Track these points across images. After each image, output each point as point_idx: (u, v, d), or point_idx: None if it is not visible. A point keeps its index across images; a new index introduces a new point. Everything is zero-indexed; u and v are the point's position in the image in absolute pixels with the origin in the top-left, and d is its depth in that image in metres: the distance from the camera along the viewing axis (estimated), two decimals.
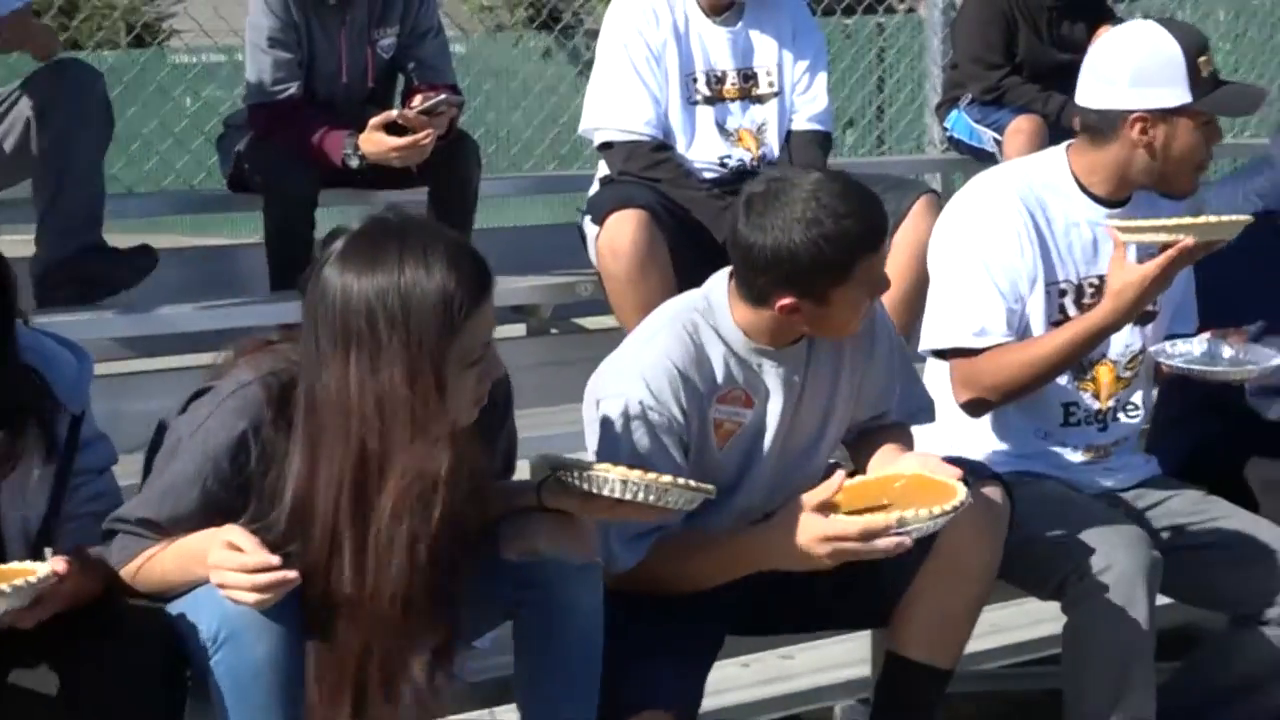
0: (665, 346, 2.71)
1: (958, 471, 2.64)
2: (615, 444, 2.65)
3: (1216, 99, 3.04)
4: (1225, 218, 2.96)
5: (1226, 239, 2.97)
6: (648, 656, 2.66)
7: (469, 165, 4.37)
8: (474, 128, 6.28)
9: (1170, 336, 3.21)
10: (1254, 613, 3.08)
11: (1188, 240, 2.90)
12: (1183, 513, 3.19)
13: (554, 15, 7.99)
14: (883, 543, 2.49)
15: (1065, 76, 4.52)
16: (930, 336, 3.13)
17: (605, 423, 2.67)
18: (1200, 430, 3.52)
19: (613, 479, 2.35)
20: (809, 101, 4.32)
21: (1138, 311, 3.02)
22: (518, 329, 4.63)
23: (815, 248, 2.60)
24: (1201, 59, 3.02)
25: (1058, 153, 3.20)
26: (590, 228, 4.13)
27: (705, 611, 2.76)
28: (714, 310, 2.75)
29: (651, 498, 2.35)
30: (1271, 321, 3.34)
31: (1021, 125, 5.28)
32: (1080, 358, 3.09)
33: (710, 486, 2.44)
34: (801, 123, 4.33)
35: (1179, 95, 3.02)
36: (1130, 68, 3.04)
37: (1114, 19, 5.62)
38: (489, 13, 14.36)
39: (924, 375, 3.24)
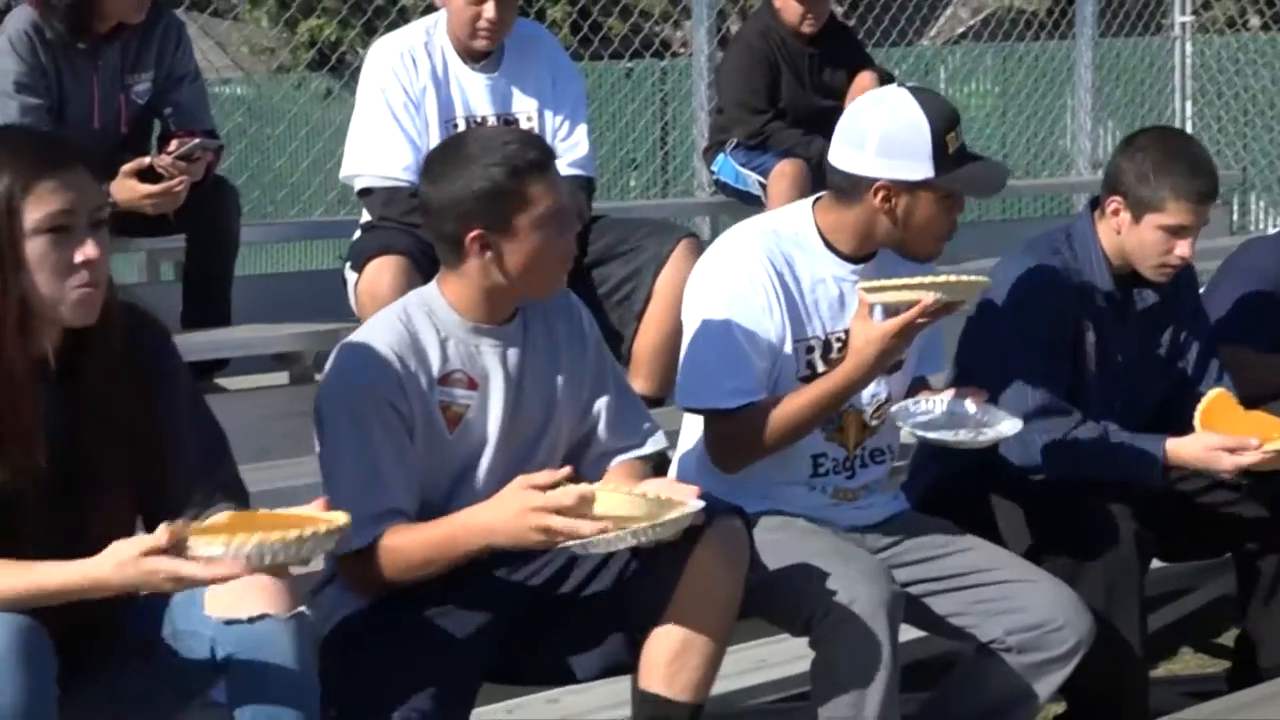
0: (377, 335, 2.77)
1: (695, 489, 2.69)
2: (337, 437, 2.70)
3: (958, 177, 3.06)
4: (966, 278, 3.00)
5: (968, 300, 3.04)
6: (402, 701, 2.64)
7: (227, 212, 4.31)
8: (238, 172, 6.20)
9: (915, 382, 3.29)
10: (995, 640, 3.14)
11: (928, 299, 2.94)
12: (928, 546, 3.25)
13: (337, 57, 7.93)
14: (589, 527, 2.54)
15: (826, 121, 4.70)
16: (685, 395, 3.15)
17: (328, 415, 2.72)
18: (947, 465, 3.61)
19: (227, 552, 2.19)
20: (570, 148, 4.34)
21: (882, 368, 3.06)
22: (280, 377, 4.57)
23: (485, 172, 2.73)
24: (949, 135, 3.05)
25: (804, 209, 3.23)
26: (350, 274, 4.10)
27: (458, 657, 2.74)
28: (428, 298, 2.84)
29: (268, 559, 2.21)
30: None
31: (785, 169, 5.38)
32: (831, 414, 3.13)
33: (341, 520, 2.32)
34: (563, 168, 4.31)
35: (922, 170, 3.04)
36: (878, 137, 3.07)
37: (873, 67, 5.78)
38: (271, 54, 14.21)
39: (682, 424, 3.28)
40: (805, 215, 3.20)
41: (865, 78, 5.54)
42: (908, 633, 3.36)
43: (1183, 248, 3.46)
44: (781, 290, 3.10)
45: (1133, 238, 3.49)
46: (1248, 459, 3.32)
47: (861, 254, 3.16)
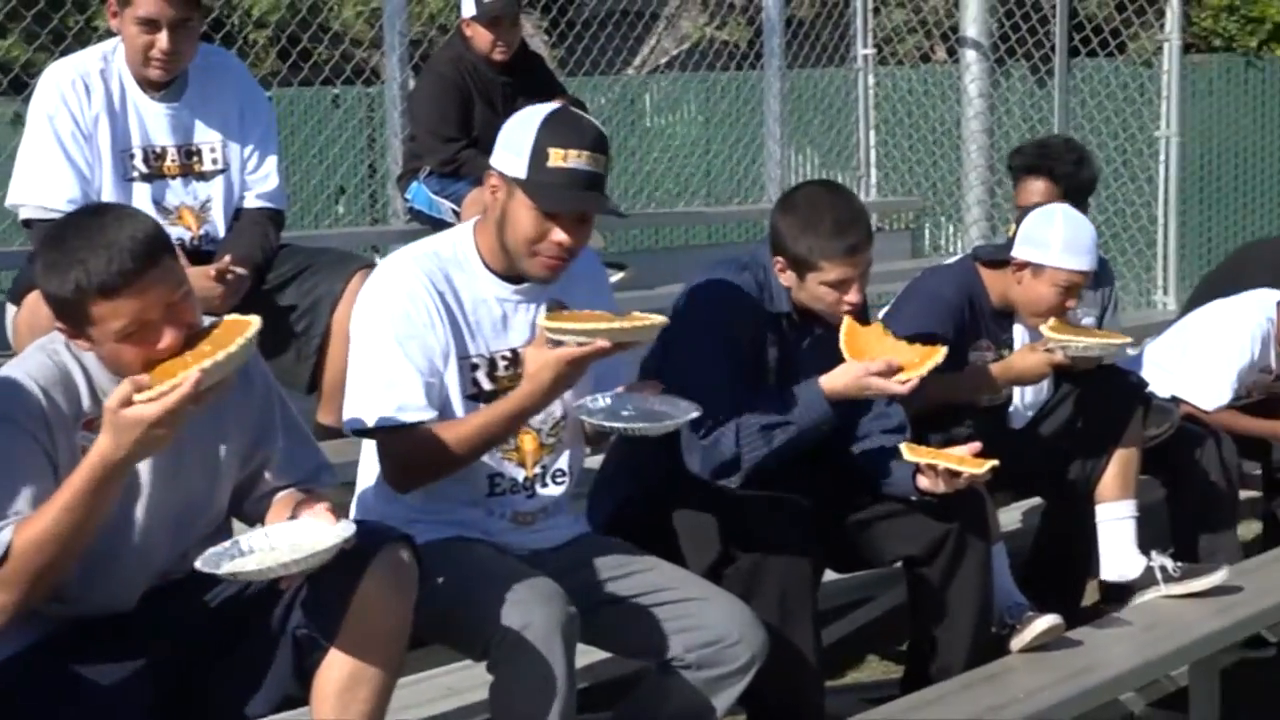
0: (30, 366, 2.66)
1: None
2: None
3: (542, 186, 3.04)
4: (644, 321, 3.01)
5: (645, 341, 3.06)
6: None
7: None
8: None
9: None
10: (674, 657, 3.19)
11: (603, 343, 2.96)
12: (608, 567, 3.27)
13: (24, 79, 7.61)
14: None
15: None
16: (353, 414, 3.12)
17: None
18: (627, 488, 3.65)
19: None
20: (259, 180, 4.27)
21: (557, 394, 3.07)
22: None
23: (61, 281, 2.55)
24: (556, 150, 3.04)
25: (466, 230, 3.24)
26: (10, 307, 3.94)
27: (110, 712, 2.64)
28: (71, 345, 2.68)
29: None
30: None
31: (477, 197, 5.37)
32: (506, 436, 3.14)
33: None
34: (251, 200, 4.27)
35: (518, 167, 3.07)
36: (504, 133, 3.12)
37: (566, 96, 5.82)
38: None
39: (360, 451, 3.24)
40: (466, 237, 3.22)
41: None
42: (592, 654, 3.40)
43: (851, 295, 3.58)
44: (443, 308, 3.11)
45: (803, 293, 3.61)
46: (895, 386, 3.43)
47: (513, 273, 3.16)
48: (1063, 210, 4.29)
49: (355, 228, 8.11)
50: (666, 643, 3.19)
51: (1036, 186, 4.88)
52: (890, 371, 3.44)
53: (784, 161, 7.96)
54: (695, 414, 3.13)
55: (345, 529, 2.63)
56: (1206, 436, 4.91)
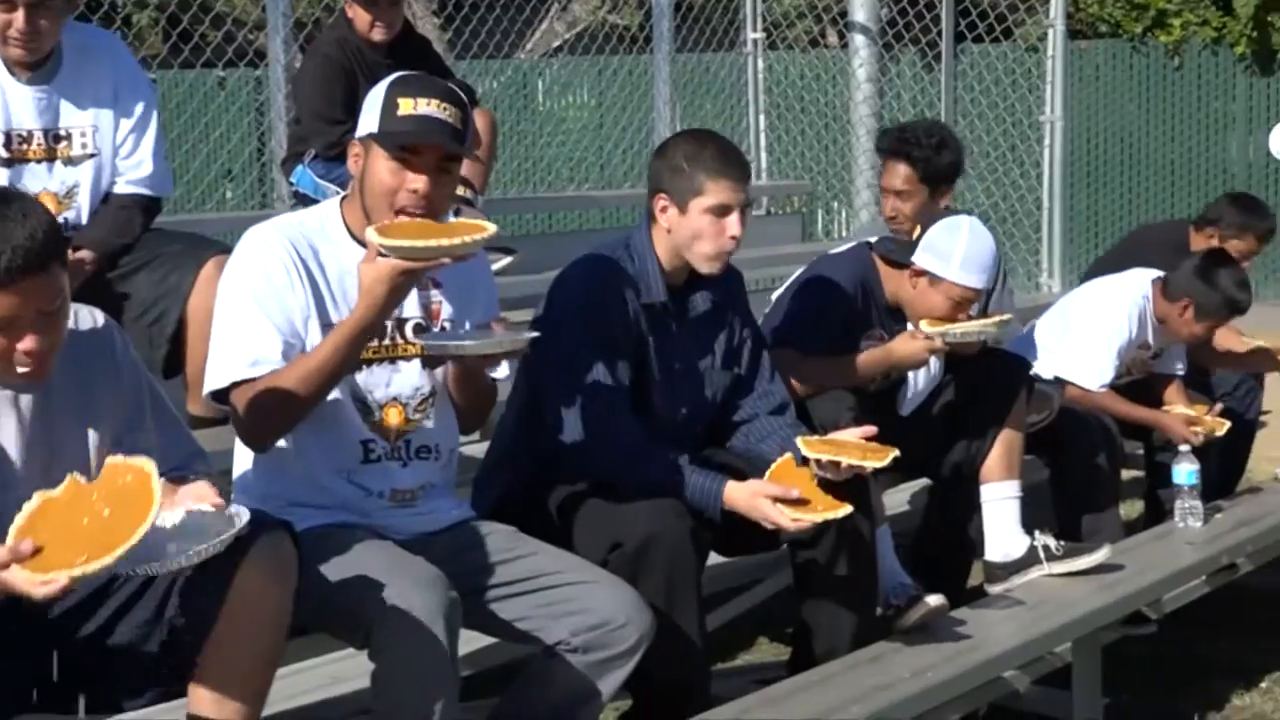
0: None
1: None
2: None
3: (393, 134, 3.05)
4: (477, 230, 2.95)
5: (475, 251, 3.00)
6: None
7: None
8: None
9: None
10: (561, 641, 3.18)
11: (445, 260, 2.95)
12: (493, 552, 3.26)
13: None
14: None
15: None
16: (211, 379, 3.10)
17: None
18: (512, 474, 3.64)
19: None
20: (133, 166, 4.17)
21: (393, 306, 3.01)
22: None
23: None
24: (406, 100, 3.07)
25: (332, 204, 3.25)
26: None
27: None
28: None
29: None
30: None
31: None
32: (351, 359, 3.05)
33: None
34: (123, 186, 4.17)
35: (371, 124, 3.10)
36: (364, 104, 3.14)
37: (452, 78, 5.77)
38: None
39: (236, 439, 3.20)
40: (333, 208, 3.22)
41: None
42: (476, 640, 3.39)
43: (732, 226, 3.57)
44: (305, 273, 3.10)
45: (684, 229, 3.59)
46: (785, 521, 3.40)
47: None
48: (969, 224, 4.31)
49: (239, 212, 8.00)
50: (552, 627, 3.18)
51: (897, 170, 4.90)
52: (788, 501, 3.42)
53: None
54: (532, 335, 3.12)
55: (242, 515, 2.60)
56: (1089, 417, 4.98)
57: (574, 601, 3.18)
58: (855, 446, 3.52)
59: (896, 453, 3.51)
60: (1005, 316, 4.41)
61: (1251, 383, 5.92)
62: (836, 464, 3.47)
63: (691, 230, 3.59)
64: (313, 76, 5.59)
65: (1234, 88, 14.05)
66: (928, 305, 4.28)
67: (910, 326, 4.36)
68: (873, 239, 4.51)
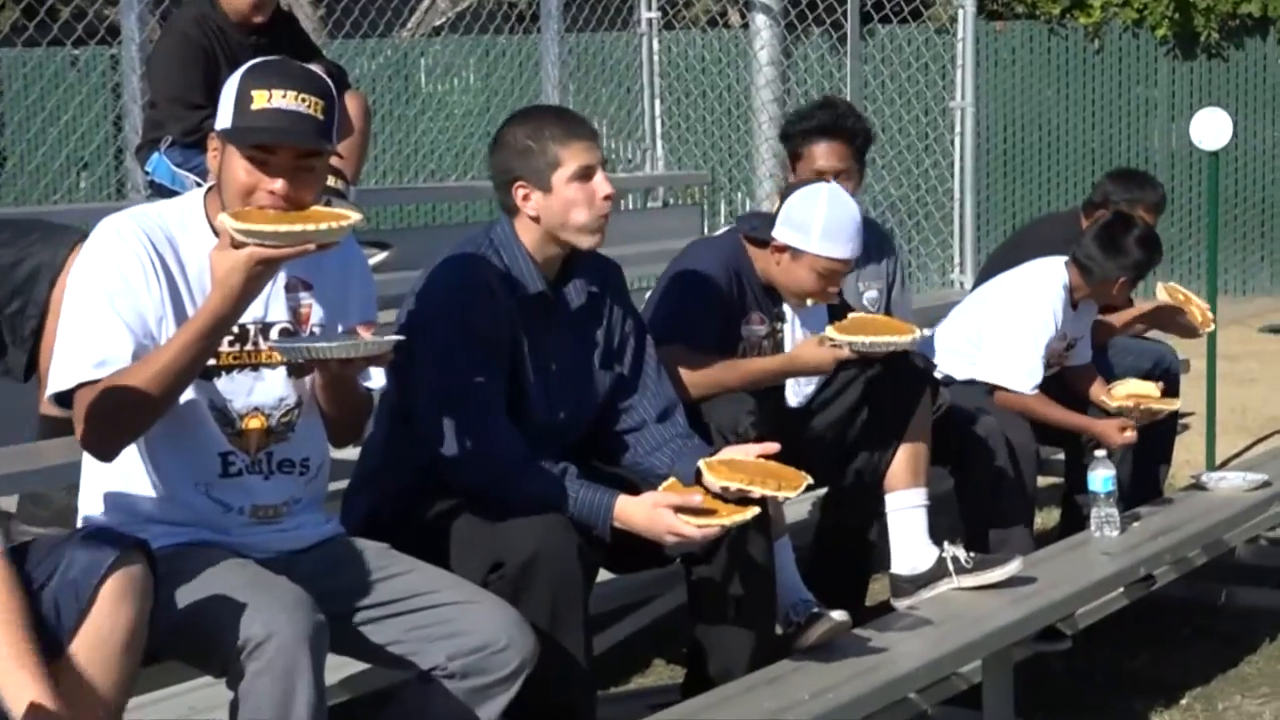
0: None
1: None
2: None
3: (245, 130, 3.03)
4: (339, 217, 2.95)
5: (339, 239, 2.99)
6: None
7: None
8: None
9: None
10: (436, 666, 3.17)
11: (308, 246, 2.93)
12: (363, 571, 3.25)
13: None
14: None
15: None
16: (54, 381, 3.06)
17: None
18: (385, 485, 3.64)
19: None
20: None
21: (250, 296, 2.99)
22: None
23: None
24: (260, 92, 3.03)
25: (196, 196, 3.22)
26: None
27: None
28: None
29: None
30: None
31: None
32: (204, 355, 3.01)
33: None
34: None
35: (225, 119, 3.08)
36: (222, 92, 3.11)
37: (324, 60, 5.75)
38: None
39: None
40: (196, 201, 3.20)
41: None
42: (347, 665, 3.38)
43: (602, 186, 3.61)
44: (162, 270, 3.07)
45: (554, 206, 3.61)
46: (690, 530, 3.42)
47: None
48: (827, 192, 4.36)
49: (92, 203, 7.89)
50: (427, 651, 3.18)
51: (836, 149, 4.86)
52: (690, 511, 3.44)
53: None
54: (397, 338, 3.12)
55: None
56: (993, 422, 5.04)
57: (451, 623, 3.18)
58: (762, 471, 3.55)
59: (809, 480, 3.55)
60: (921, 333, 4.44)
61: (1167, 375, 6.03)
62: (745, 493, 3.50)
63: (563, 204, 3.60)
64: (168, 57, 5.53)
65: (1156, 72, 14.30)
66: (796, 282, 4.33)
67: (786, 307, 4.41)
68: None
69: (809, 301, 4.39)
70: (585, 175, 3.60)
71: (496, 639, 3.16)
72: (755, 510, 3.47)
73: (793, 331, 4.49)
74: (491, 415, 3.54)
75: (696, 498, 3.45)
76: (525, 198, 3.63)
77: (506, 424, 3.56)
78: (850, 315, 4.42)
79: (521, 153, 3.60)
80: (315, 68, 5.50)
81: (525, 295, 3.65)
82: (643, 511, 3.48)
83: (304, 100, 3.06)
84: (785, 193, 4.44)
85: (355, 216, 2.99)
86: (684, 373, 4.13)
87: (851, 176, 4.87)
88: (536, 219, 3.64)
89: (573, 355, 3.73)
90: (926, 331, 4.61)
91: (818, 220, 4.27)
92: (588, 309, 3.76)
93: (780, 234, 4.32)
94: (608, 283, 3.82)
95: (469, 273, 3.61)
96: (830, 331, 4.27)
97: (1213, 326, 6.04)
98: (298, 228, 2.92)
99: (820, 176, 4.72)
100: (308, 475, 3.28)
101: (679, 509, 3.44)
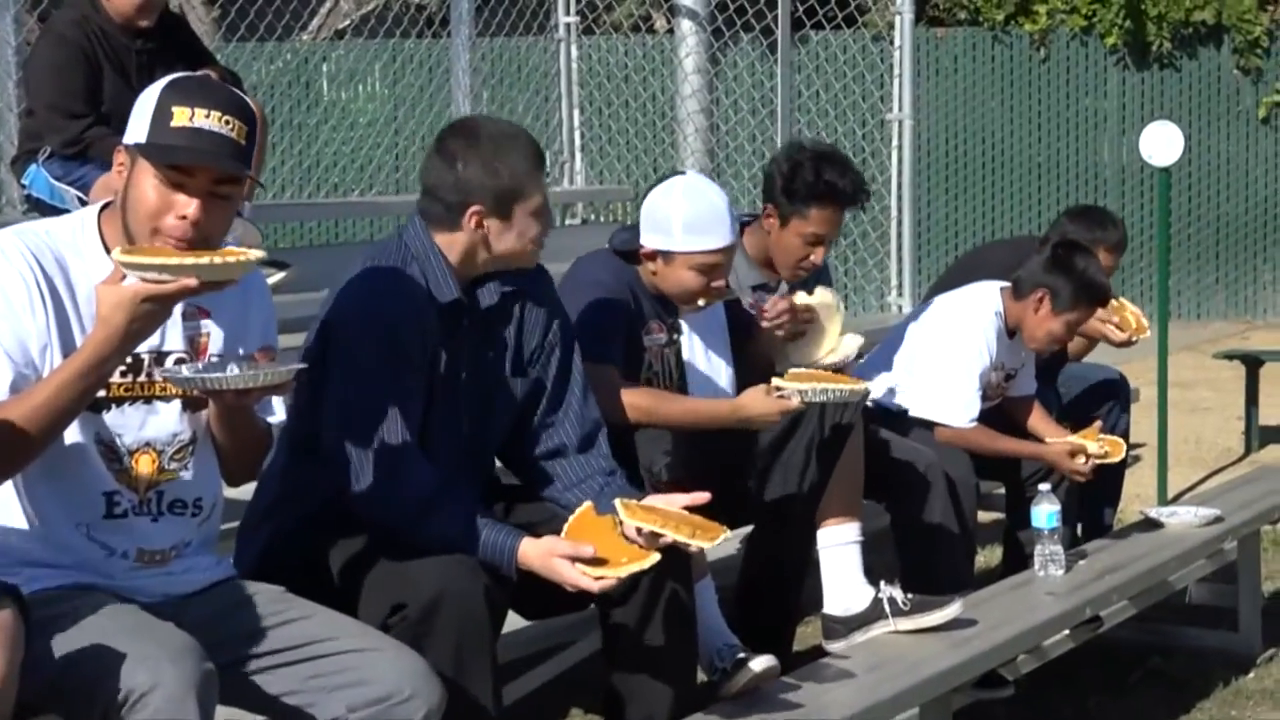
0: None
1: None
2: None
3: (162, 147, 3.04)
4: (235, 255, 2.98)
5: (235, 278, 3.01)
6: None
7: None
8: None
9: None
10: (336, 718, 3.17)
11: (189, 281, 2.92)
12: (256, 617, 3.24)
13: None
14: None
15: None
16: None
17: None
18: (280, 521, 3.64)
19: None
20: None
21: (136, 338, 2.97)
22: None
23: None
24: (181, 109, 3.04)
25: (90, 214, 3.20)
26: None
27: None
28: None
29: None
30: None
31: (108, 182, 5.25)
32: (85, 395, 3.00)
33: None
34: None
35: (139, 133, 3.07)
36: (136, 105, 3.11)
37: (217, 66, 5.74)
38: None
39: None
40: (90, 221, 3.17)
41: None
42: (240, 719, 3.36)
43: (545, 229, 3.71)
44: (49, 294, 3.06)
45: (507, 237, 3.66)
46: (585, 581, 3.44)
47: None
48: (682, 184, 4.43)
49: None
50: (325, 701, 3.17)
51: (834, 218, 4.95)
52: (588, 561, 3.46)
53: None
54: (299, 367, 3.12)
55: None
56: (930, 453, 5.09)
57: (351, 672, 3.17)
58: (680, 518, 3.57)
59: (728, 534, 3.57)
60: (867, 387, 4.50)
61: (1118, 410, 6.10)
62: (657, 536, 3.52)
63: (518, 235, 3.68)
64: (46, 63, 5.51)
65: (1105, 82, 14.49)
66: (679, 284, 4.38)
67: (681, 320, 4.47)
68: None
69: (701, 302, 4.42)
70: (539, 214, 3.69)
71: (400, 689, 3.16)
72: (655, 557, 3.48)
73: (690, 343, 4.56)
74: (406, 447, 3.54)
75: (588, 548, 3.46)
76: (477, 224, 3.65)
77: (420, 456, 3.56)
78: (791, 370, 4.45)
79: (483, 176, 3.62)
80: (208, 73, 5.56)
81: (445, 299, 3.67)
82: (539, 558, 3.50)
83: (228, 123, 3.06)
84: None
85: (256, 254, 3.00)
86: (624, 397, 4.16)
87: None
88: (483, 242, 3.67)
89: (481, 359, 3.73)
90: (873, 386, 4.68)
91: (677, 215, 4.34)
92: (499, 309, 3.77)
93: (646, 240, 4.38)
94: (530, 285, 3.84)
95: (392, 287, 3.62)
96: (779, 381, 4.31)
97: (1147, 333, 6.11)
98: (189, 261, 2.92)
99: (816, 241, 4.91)
100: (200, 516, 3.27)
101: (575, 559, 3.46)
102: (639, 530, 3.52)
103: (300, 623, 3.24)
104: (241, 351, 3.21)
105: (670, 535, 3.50)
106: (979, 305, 5.49)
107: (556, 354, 3.89)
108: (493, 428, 3.82)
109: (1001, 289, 5.52)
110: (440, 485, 3.55)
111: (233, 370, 3.07)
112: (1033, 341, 5.53)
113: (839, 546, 4.55)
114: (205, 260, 2.94)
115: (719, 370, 4.73)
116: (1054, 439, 5.51)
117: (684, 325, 4.56)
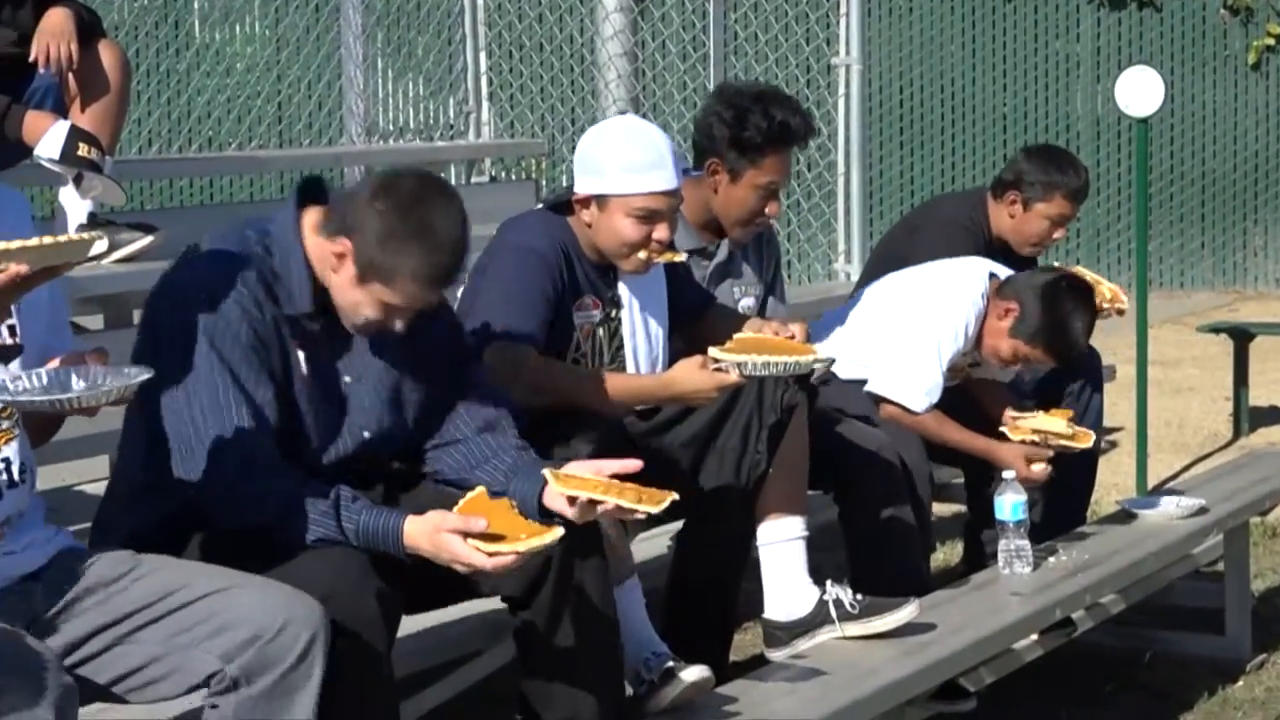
0: None
1: None
2: None
3: None
4: (71, 237, 3.03)
5: (74, 261, 3.05)
6: None
7: None
8: None
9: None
10: (214, 675, 3.22)
11: (21, 268, 2.95)
12: (105, 581, 3.29)
13: None
14: None
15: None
16: None
17: None
18: (143, 513, 3.64)
19: None
20: None
21: None
22: None
23: None
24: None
25: None
26: None
27: None
28: None
29: None
30: None
31: None
32: None
33: None
34: None
35: None
36: None
37: (67, 2, 5.70)
38: None
39: None
40: None
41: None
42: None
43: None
44: None
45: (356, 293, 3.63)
46: (479, 558, 3.44)
47: None
48: (621, 123, 4.47)
49: None
50: (196, 658, 3.23)
51: (788, 160, 5.01)
52: (481, 537, 3.46)
53: (370, 92, 7.94)
54: (145, 376, 3.12)
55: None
56: (882, 436, 5.09)
57: (215, 618, 3.23)
58: (623, 486, 3.57)
59: (675, 496, 3.58)
60: (824, 357, 4.49)
61: (1089, 390, 6.13)
62: (595, 504, 3.52)
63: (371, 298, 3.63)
64: None
65: (1078, 25, 14.54)
66: (617, 236, 4.36)
67: (622, 288, 4.47)
68: None
69: (642, 256, 4.37)
70: (392, 309, 3.67)
71: (269, 623, 3.21)
72: (559, 531, 3.48)
73: (630, 317, 4.51)
74: (257, 453, 3.55)
75: (480, 521, 3.46)
76: (338, 260, 3.59)
77: (276, 458, 3.57)
78: (735, 336, 4.41)
79: (378, 247, 3.54)
80: (61, 11, 5.53)
81: (295, 312, 3.64)
82: (426, 535, 3.49)
83: None
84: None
85: (93, 235, 3.04)
86: (530, 379, 4.15)
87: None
88: (332, 272, 3.65)
89: (371, 367, 3.73)
90: (830, 354, 4.64)
91: (613, 155, 4.34)
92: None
93: (580, 184, 4.38)
94: None
95: (224, 279, 3.58)
96: (715, 352, 4.27)
97: (1124, 304, 6.11)
98: (18, 245, 2.94)
99: (769, 190, 4.92)
100: (26, 485, 3.31)
101: (466, 534, 3.45)
102: (571, 500, 3.53)
103: (150, 577, 3.31)
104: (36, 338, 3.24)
105: (612, 500, 3.50)
106: (967, 284, 5.46)
107: (446, 350, 3.88)
108: (387, 441, 3.79)
109: (992, 274, 5.51)
110: (300, 481, 3.56)
111: (78, 383, 3.08)
112: (978, 346, 5.52)
113: (781, 543, 4.56)
114: (36, 242, 2.96)
115: (657, 341, 4.64)
116: (1016, 433, 5.45)
117: (625, 297, 4.52)
